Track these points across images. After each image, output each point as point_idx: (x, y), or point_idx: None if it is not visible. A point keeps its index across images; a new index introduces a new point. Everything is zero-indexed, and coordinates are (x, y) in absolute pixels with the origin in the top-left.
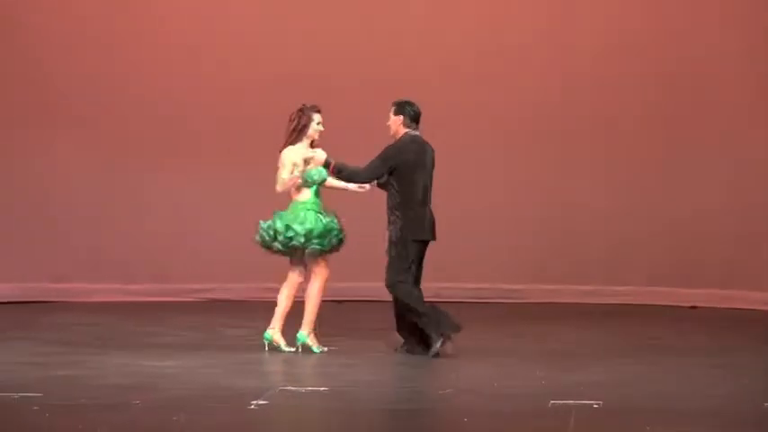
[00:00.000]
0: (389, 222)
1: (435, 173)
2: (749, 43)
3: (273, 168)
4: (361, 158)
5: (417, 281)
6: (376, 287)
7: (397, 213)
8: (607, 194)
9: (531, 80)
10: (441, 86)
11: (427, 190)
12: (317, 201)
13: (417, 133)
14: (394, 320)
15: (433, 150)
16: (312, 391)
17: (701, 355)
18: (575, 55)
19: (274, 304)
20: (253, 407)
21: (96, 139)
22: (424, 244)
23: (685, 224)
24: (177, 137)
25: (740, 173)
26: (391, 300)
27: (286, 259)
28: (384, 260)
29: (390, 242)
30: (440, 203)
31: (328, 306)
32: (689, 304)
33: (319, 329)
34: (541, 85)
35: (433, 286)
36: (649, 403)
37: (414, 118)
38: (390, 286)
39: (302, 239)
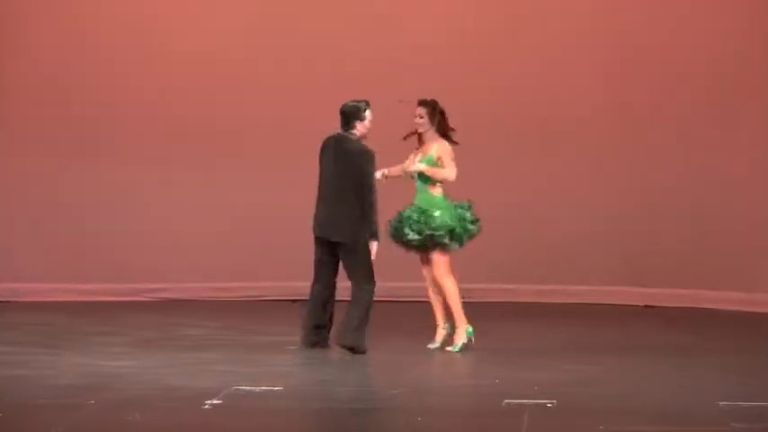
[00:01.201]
0: None
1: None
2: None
3: (228, 169)
4: None
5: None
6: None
7: None
8: (562, 193)
9: (490, 65)
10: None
11: (327, 186)
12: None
13: (339, 131)
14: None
15: (342, 149)
16: (266, 391)
17: (656, 355)
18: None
19: (228, 303)
20: (207, 407)
21: (47, 139)
22: (318, 240)
23: (640, 223)
24: (132, 136)
25: (693, 172)
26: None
27: (238, 257)
28: None
29: None
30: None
31: (283, 306)
32: (643, 303)
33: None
34: (503, 75)
35: (389, 285)
36: (604, 402)
37: (341, 120)
38: None
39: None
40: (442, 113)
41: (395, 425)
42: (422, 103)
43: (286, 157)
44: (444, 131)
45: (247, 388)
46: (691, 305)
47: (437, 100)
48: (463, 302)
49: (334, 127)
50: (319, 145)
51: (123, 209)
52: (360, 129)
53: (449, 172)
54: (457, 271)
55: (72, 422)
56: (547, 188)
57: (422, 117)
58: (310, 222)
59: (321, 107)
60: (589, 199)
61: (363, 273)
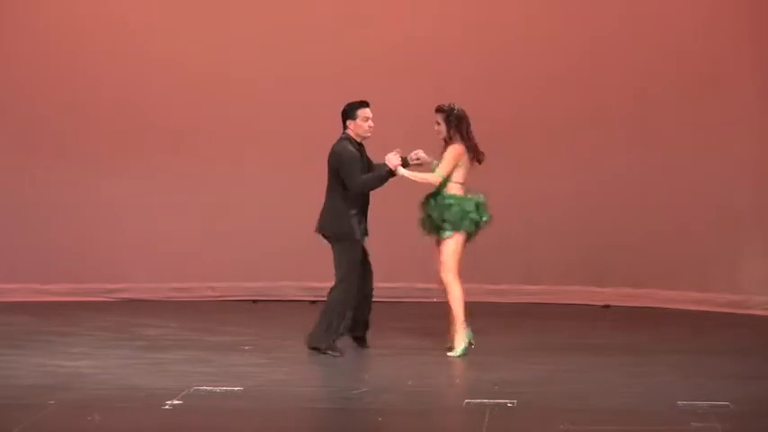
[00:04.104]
0: None
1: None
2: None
3: (188, 171)
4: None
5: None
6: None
7: None
8: (515, 190)
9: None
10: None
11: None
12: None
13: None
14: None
15: (331, 150)
16: (226, 391)
17: (615, 354)
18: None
19: (188, 304)
20: (167, 407)
21: (6, 139)
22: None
23: (596, 223)
24: (94, 136)
25: (650, 173)
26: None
27: (199, 258)
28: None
29: None
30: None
31: (244, 306)
32: (602, 303)
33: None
34: (471, 76)
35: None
36: (564, 402)
37: None
38: None
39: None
40: (459, 118)
41: (355, 425)
42: (438, 109)
43: (247, 160)
44: (462, 135)
45: (207, 388)
46: (648, 305)
47: (454, 104)
48: (421, 302)
49: (303, 128)
50: (276, 146)
51: (83, 209)
52: (352, 128)
53: (432, 177)
54: (411, 271)
55: (32, 422)
56: (502, 187)
57: (438, 124)
58: (271, 224)
59: (291, 107)
60: (546, 198)
61: (338, 269)
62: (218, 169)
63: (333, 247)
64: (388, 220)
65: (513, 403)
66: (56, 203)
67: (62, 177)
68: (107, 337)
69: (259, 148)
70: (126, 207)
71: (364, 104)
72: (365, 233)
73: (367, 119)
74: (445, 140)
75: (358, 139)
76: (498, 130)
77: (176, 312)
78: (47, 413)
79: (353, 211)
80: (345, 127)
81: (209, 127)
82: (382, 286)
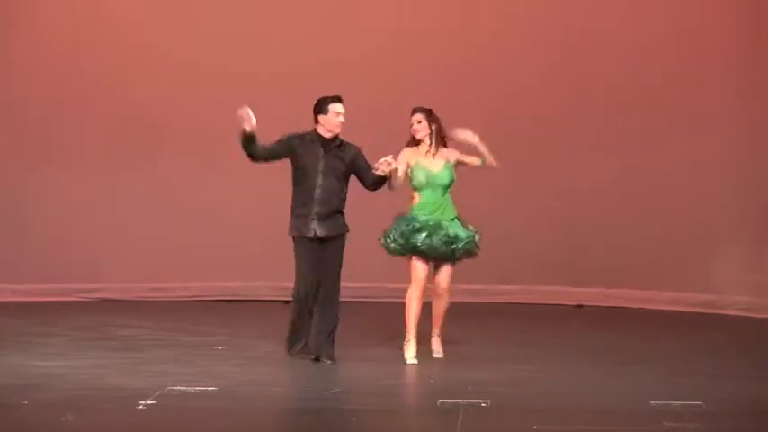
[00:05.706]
0: (340, 216)
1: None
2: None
3: (164, 170)
4: None
5: None
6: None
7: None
8: (492, 192)
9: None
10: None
11: None
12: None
13: None
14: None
15: None
16: (201, 391)
17: (589, 354)
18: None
19: (162, 304)
20: (141, 407)
21: None
22: None
23: (571, 223)
24: (64, 136)
25: (623, 173)
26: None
27: (174, 258)
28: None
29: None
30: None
31: (215, 306)
32: (575, 303)
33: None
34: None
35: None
36: (537, 402)
37: None
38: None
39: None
40: (436, 118)
41: (330, 425)
42: (418, 109)
43: (220, 161)
44: (443, 136)
45: (182, 388)
46: (622, 305)
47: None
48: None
49: (277, 129)
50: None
51: (59, 209)
52: (321, 122)
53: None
54: (386, 271)
55: (5, 422)
56: (477, 186)
57: (420, 122)
58: (245, 224)
59: (271, 109)
60: (522, 198)
61: None
62: (193, 170)
63: None
64: (365, 219)
65: (486, 403)
66: (31, 204)
67: (38, 178)
68: (82, 337)
69: (233, 149)
70: (101, 207)
71: (336, 99)
72: (314, 233)
73: (338, 114)
74: (417, 139)
75: (326, 135)
76: (474, 131)
77: (152, 312)
78: (20, 413)
79: (297, 210)
80: (315, 121)
81: (181, 129)
82: (355, 286)
